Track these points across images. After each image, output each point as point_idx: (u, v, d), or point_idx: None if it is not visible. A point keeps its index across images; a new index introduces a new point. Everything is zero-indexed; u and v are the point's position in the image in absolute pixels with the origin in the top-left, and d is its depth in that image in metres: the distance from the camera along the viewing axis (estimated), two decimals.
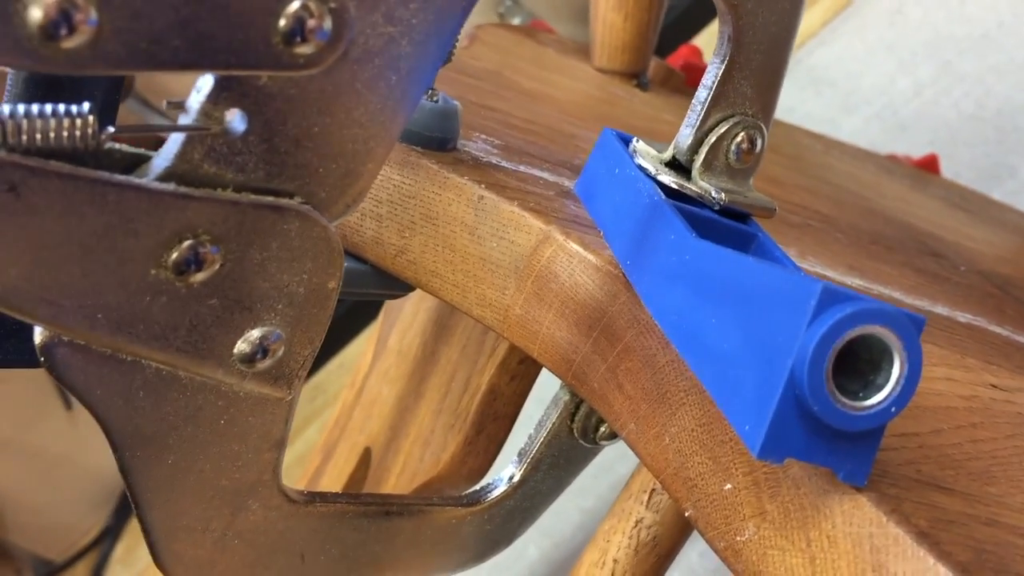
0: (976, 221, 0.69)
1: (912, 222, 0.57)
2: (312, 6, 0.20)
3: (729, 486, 0.25)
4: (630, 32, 0.61)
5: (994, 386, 0.32)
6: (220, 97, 0.20)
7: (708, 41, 1.05)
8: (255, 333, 0.23)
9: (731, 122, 0.29)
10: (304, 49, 0.20)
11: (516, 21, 1.04)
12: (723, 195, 0.29)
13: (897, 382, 0.21)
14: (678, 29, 1.02)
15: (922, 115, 1.11)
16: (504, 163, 0.33)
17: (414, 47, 0.22)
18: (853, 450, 0.22)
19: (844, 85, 1.13)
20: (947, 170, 0.94)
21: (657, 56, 0.67)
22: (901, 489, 0.23)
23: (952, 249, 0.54)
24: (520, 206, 0.30)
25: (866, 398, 0.21)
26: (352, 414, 0.48)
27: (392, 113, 0.23)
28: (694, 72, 0.71)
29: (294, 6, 0.20)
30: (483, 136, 0.35)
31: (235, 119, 0.21)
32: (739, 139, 0.29)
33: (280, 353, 0.24)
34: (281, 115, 0.21)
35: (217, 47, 0.19)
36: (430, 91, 0.32)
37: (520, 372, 0.36)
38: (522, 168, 0.34)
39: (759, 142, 0.30)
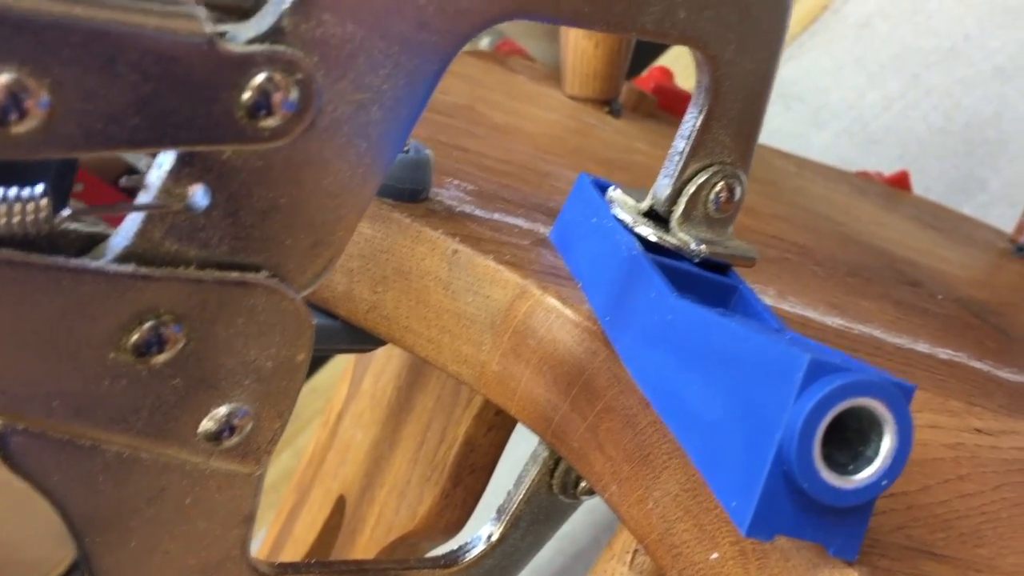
0: (949, 241, 0.69)
1: (887, 247, 0.57)
2: (277, 78, 0.19)
3: (715, 555, 0.24)
4: (601, 59, 0.61)
5: (978, 431, 0.32)
6: (182, 173, 0.19)
7: (676, 59, 1.05)
8: (221, 410, 0.22)
9: (710, 171, 0.28)
10: (270, 122, 0.19)
11: (485, 41, 1.03)
12: (703, 247, 0.28)
13: (888, 455, 0.20)
14: (647, 48, 1.02)
15: (891, 129, 1.11)
16: (478, 211, 0.32)
17: (384, 112, 0.21)
18: (843, 524, 0.21)
19: (813, 100, 1.13)
20: (918, 184, 0.94)
21: (626, 78, 0.66)
22: (892, 560, 0.22)
23: (928, 275, 0.54)
24: (495, 259, 0.29)
25: (856, 471, 0.21)
26: (326, 457, 0.47)
27: (363, 180, 0.22)
28: (666, 95, 0.71)
29: (259, 79, 0.19)
30: (456, 181, 0.34)
31: (198, 195, 0.20)
32: (718, 188, 0.29)
33: (248, 429, 0.23)
34: (246, 188, 0.20)
35: (178, 124, 0.18)
36: None
37: (497, 423, 0.36)
38: (496, 216, 0.33)
39: (738, 190, 0.29)
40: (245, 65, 0.18)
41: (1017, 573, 0.24)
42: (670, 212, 0.29)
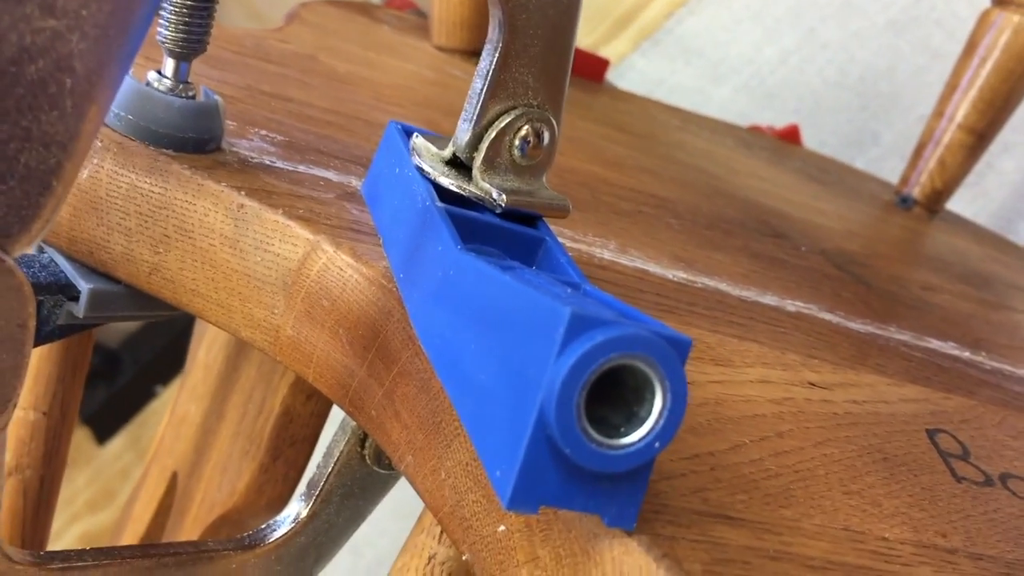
0: (831, 194, 0.69)
1: (760, 200, 0.56)
2: None
3: (503, 528, 0.22)
4: (469, 6, 0.58)
5: (812, 384, 0.31)
6: None
7: None
8: None
9: (513, 114, 0.26)
10: None
11: None
12: (504, 197, 0.26)
13: (659, 415, 0.19)
14: None
15: (788, 83, 1.11)
16: (279, 163, 0.30)
17: (90, 43, 0.18)
18: (617, 491, 0.19)
19: (712, 54, 1.12)
20: (813, 138, 0.94)
21: None
22: (679, 527, 0.21)
23: (797, 227, 0.52)
24: (285, 214, 0.27)
25: (627, 433, 0.19)
26: (166, 432, 0.44)
27: (75, 121, 0.19)
28: None
29: None
30: (263, 132, 0.32)
31: None
32: (523, 132, 0.27)
33: None
34: None
35: None
36: (184, 84, 0.28)
37: (316, 391, 0.33)
38: (301, 168, 0.30)
39: (547, 135, 0.27)
40: None
41: (820, 534, 0.22)
42: (472, 159, 0.27)
